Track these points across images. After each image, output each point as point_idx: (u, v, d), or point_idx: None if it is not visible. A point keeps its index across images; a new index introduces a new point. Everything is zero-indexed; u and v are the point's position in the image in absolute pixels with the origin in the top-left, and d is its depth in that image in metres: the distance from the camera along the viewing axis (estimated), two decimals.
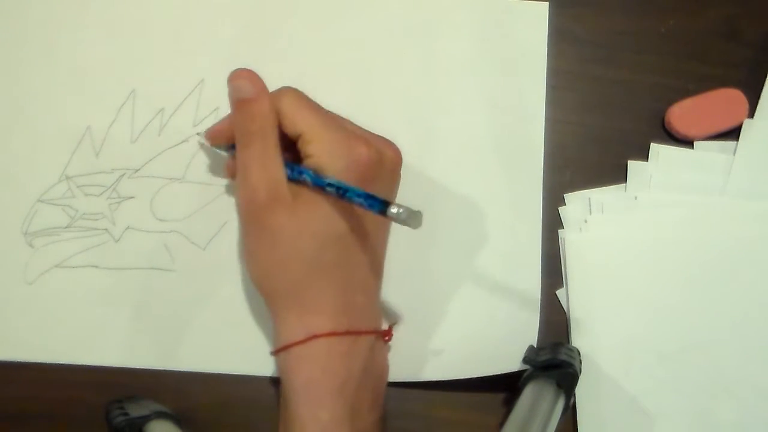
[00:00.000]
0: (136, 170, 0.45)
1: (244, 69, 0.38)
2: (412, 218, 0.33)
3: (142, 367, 0.43)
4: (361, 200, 0.35)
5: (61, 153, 0.45)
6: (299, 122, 0.38)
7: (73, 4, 0.47)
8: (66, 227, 0.45)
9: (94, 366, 0.43)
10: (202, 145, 0.46)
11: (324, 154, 0.37)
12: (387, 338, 0.42)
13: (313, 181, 0.37)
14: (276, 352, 0.39)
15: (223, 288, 0.44)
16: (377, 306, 0.42)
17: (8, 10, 0.47)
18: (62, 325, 0.43)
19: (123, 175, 0.45)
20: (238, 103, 0.38)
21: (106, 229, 0.45)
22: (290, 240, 0.37)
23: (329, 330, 0.38)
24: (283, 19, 0.48)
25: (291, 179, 0.38)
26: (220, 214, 0.45)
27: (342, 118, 0.40)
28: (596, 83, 0.48)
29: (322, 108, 0.39)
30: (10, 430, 0.43)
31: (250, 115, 0.38)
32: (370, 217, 0.38)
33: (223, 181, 0.45)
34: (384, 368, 0.42)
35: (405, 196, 0.43)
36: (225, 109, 0.46)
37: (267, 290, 0.40)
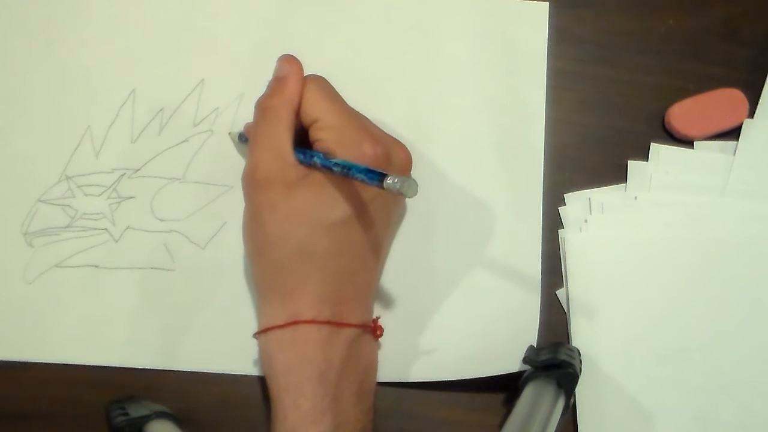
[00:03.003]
0: (136, 170, 0.45)
1: (289, 54, 0.40)
2: (407, 187, 0.33)
3: (142, 367, 0.43)
4: (362, 175, 0.35)
5: (61, 153, 0.45)
6: (316, 109, 0.39)
7: (73, 4, 0.47)
8: (66, 227, 0.45)
9: (94, 366, 0.43)
10: (231, 138, 0.46)
11: (333, 142, 0.38)
12: (378, 333, 0.41)
13: (322, 162, 0.37)
14: (257, 335, 0.39)
15: (223, 288, 0.44)
16: (368, 301, 0.42)
17: (9, 10, 0.47)
18: (62, 325, 0.43)
19: (123, 175, 0.45)
20: (272, 80, 0.40)
21: (105, 229, 0.45)
22: (281, 220, 0.38)
23: (310, 317, 0.37)
24: (283, 20, 0.48)
25: (303, 163, 0.38)
26: (220, 214, 0.45)
27: (360, 115, 0.41)
28: (596, 83, 0.48)
29: (344, 102, 0.40)
30: (10, 430, 0.43)
31: (271, 91, 0.40)
32: (371, 214, 0.38)
33: (223, 181, 0.45)
34: (371, 363, 0.41)
35: None
36: (225, 109, 0.46)
37: (255, 269, 0.40)
